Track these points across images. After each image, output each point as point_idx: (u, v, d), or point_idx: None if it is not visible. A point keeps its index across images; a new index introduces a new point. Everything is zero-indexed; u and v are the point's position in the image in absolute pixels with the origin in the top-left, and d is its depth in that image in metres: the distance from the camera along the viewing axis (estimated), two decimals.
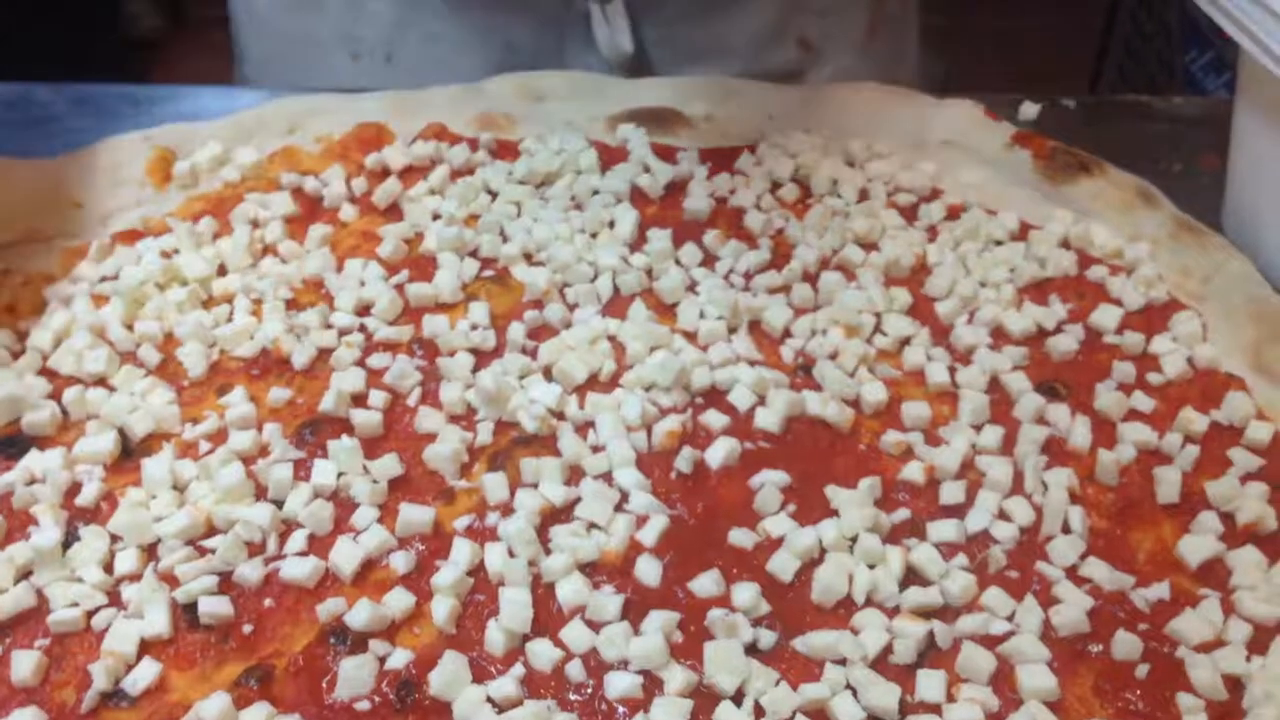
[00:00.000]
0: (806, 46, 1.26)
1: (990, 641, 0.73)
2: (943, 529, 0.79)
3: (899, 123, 1.13)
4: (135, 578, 0.75)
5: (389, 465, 0.81)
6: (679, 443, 0.83)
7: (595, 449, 0.83)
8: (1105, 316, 0.95)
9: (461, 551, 0.76)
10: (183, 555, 0.76)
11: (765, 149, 1.09)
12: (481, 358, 0.90)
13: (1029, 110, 1.17)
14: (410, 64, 1.20)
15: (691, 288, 0.96)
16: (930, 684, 0.71)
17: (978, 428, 0.86)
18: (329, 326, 0.92)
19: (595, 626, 0.73)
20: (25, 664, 0.71)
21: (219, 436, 0.84)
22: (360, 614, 0.72)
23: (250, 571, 0.75)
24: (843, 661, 0.72)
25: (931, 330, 0.94)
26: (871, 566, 0.77)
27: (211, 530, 0.78)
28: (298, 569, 0.75)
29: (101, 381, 0.87)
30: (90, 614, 0.74)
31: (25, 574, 0.75)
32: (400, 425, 0.86)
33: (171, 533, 0.77)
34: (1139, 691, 0.72)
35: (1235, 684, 0.72)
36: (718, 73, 1.17)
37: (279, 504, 0.80)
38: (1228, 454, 0.85)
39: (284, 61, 1.11)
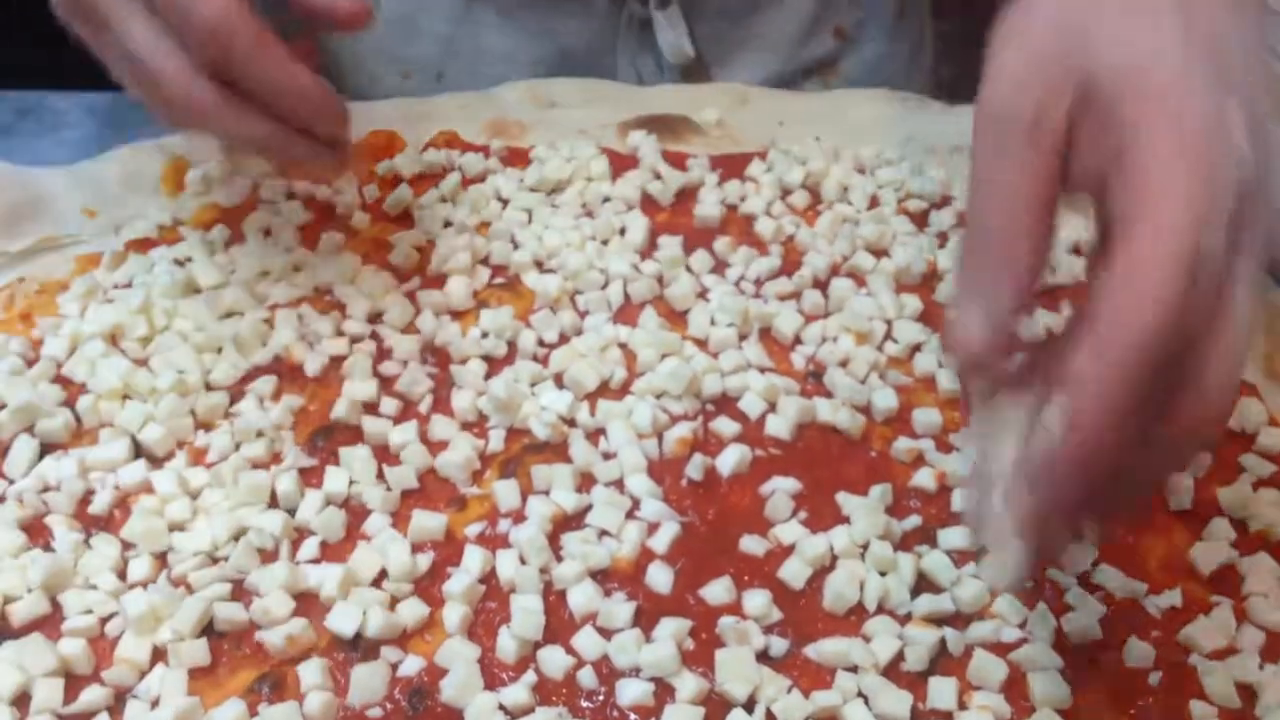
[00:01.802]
0: (841, 35, 1.27)
1: (1002, 649, 0.73)
2: (954, 536, 0.79)
3: (909, 129, 1.13)
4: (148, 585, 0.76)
5: (403, 473, 0.82)
6: (690, 450, 0.84)
7: (606, 456, 0.83)
8: None
9: (473, 559, 0.76)
10: (196, 562, 0.76)
11: (776, 156, 1.09)
12: (493, 365, 0.90)
13: None
14: (461, 81, 1.20)
15: (702, 295, 0.96)
16: (942, 691, 0.71)
17: None
18: (341, 334, 0.92)
19: (607, 634, 0.73)
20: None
21: (231, 444, 0.84)
22: (372, 621, 0.73)
23: (262, 578, 0.75)
24: (854, 669, 0.72)
25: (942, 337, 0.93)
26: (883, 573, 0.77)
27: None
28: (311, 576, 0.76)
29: (114, 390, 0.87)
30: (104, 621, 0.74)
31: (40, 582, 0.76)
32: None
33: (192, 548, 0.77)
34: (1151, 699, 0.72)
35: (1248, 691, 0.72)
36: (759, 67, 1.18)
37: (291, 511, 0.80)
38: (1240, 460, 0.85)
39: (334, 83, 1.12)
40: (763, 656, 0.72)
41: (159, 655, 0.72)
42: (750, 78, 1.22)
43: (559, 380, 0.89)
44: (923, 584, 0.77)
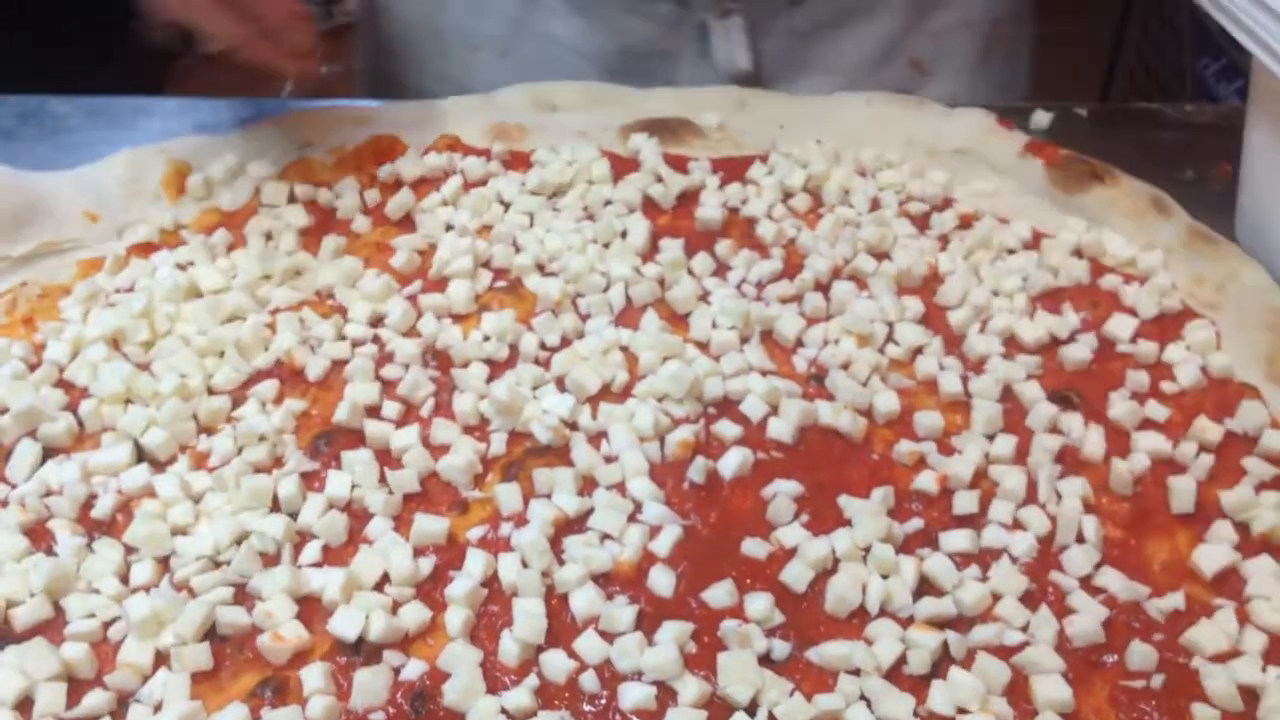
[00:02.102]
0: (918, 67, 1.26)
1: (1005, 652, 0.73)
2: (956, 539, 0.79)
3: (910, 132, 1.13)
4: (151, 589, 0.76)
5: (405, 477, 0.82)
6: (692, 453, 0.84)
7: (608, 459, 0.83)
8: (1118, 325, 0.94)
9: (475, 562, 0.76)
10: (198, 566, 0.76)
11: (777, 159, 1.09)
12: (495, 368, 0.90)
13: (1041, 119, 1.17)
14: (525, 62, 1.20)
15: (704, 297, 0.96)
16: (944, 695, 0.71)
17: (991, 437, 0.86)
18: (343, 338, 0.92)
19: (609, 637, 0.73)
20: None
21: (233, 448, 0.84)
22: (375, 625, 0.73)
23: (265, 582, 0.75)
24: (856, 672, 0.72)
25: (944, 339, 0.93)
26: (885, 576, 0.77)
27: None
28: (314, 580, 0.76)
29: (117, 394, 0.87)
30: (107, 625, 0.74)
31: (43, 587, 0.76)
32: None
33: (194, 553, 0.77)
34: (1154, 702, 0.72)
35: (1251, 694, 0.72)
36: (828, 89, 1.18)
37: (293, 515, 0.80)
38: (1242, 463, 0.85)
39: (405, 53, 1.13)
40: (765, 660, 0.72)
41: (161, 659, 0.73)
42: (820, 91, 1.20)
43: (560, 383, 0.89)
44: (925, 587, 0.77)
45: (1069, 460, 0.85)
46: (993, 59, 1.30)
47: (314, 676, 0.71)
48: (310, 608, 0.75)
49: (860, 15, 1.23)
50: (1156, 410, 0.88)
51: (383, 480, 0.82)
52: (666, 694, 0.71)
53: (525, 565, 0.76)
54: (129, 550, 0.78)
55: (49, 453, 0.84)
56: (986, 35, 1.29)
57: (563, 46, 1.23)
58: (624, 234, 1.01)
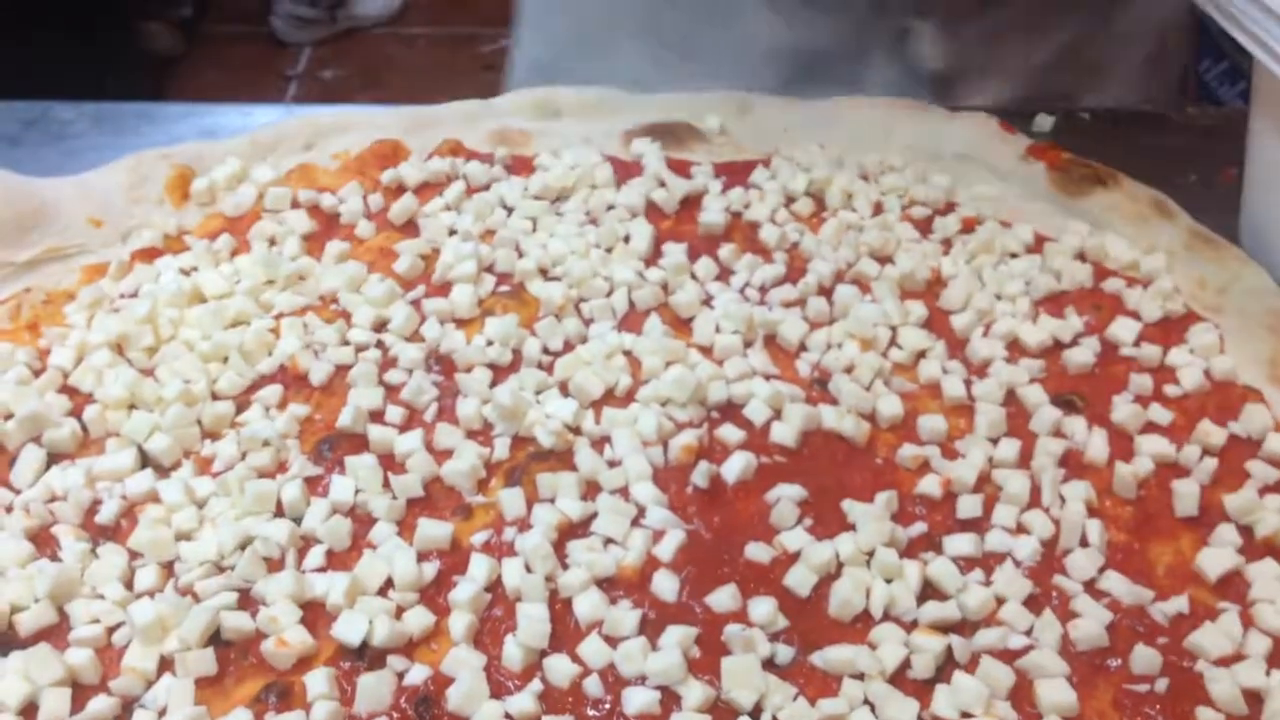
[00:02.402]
0: (1093, 71, 1.27)
1: (1008, 656, 0.73)
2: (960, 543, 0.79)
3: (913, 136, 1.13)
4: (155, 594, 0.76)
5: (409, 482, 0.82)
6: (695, 457, 0.84)
7: (612, 464, 0.83)
8: (1122, 329, 0.94)
9: (479, 567, 0.76)
10: (202, 571, 0.77)
11: (779, 163, 1.09)
12: (498, 373, 0.90)
13: (1043, 122, 1.17)
14: (707, 59, 1.20)
15: (707, 302, 0.96)
16: (948, 699, 0.71)
17: (994, 441, 0.86)
18: (346, 343, 0.93)
19: (613, 642, 0.73)
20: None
21: (237, 453, 0.84)
22: (379, 630, 0.73)
23: (269, 587, 0.76)
24: (860, 676, 0.72)
25: (947, 343, 0.93)
26: (889, 581, 0.77)
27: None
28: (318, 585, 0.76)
29: (121, 399, 0.87)
30: (111, 630, 0.74)
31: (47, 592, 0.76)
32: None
33: (198, 558, 0.77)
34: (1158, 706, 0.72)
35: (1255, 698, 0.72)
36: (1007, 93, 1.18)
37: (297, 520, 0.80)
38: (1246, 466, 0.85)
39: (573, 47, 1.12)
40: (769, 664, 0.72)
41: (166, 665, 0.73)
42: (998, 98, 1.21)
43: (564, 388, 0.89)
44: (928, 591, 0.77)
45: (1072, 464, 0.85)
46: (1158, 67, 1.31)
47: (318, 681, 0.71)
48: (314, 613, 0.75)
49: (1046, 20, 1.23)
50: (1160, 414, 0.88)
51: (386, 485, 0.82)
52: (670, 699, 0.71)
53: (529, 570, 0.76)
54: (133, 555, 0.78)
55: (53, 458, 0.85)
56: (1155, 41, 1.30)
57: (750, 46, 1.22)
58: (627, 238, 1.02)
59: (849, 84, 1.18)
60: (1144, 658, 0.73)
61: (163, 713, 0.70)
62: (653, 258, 1.00)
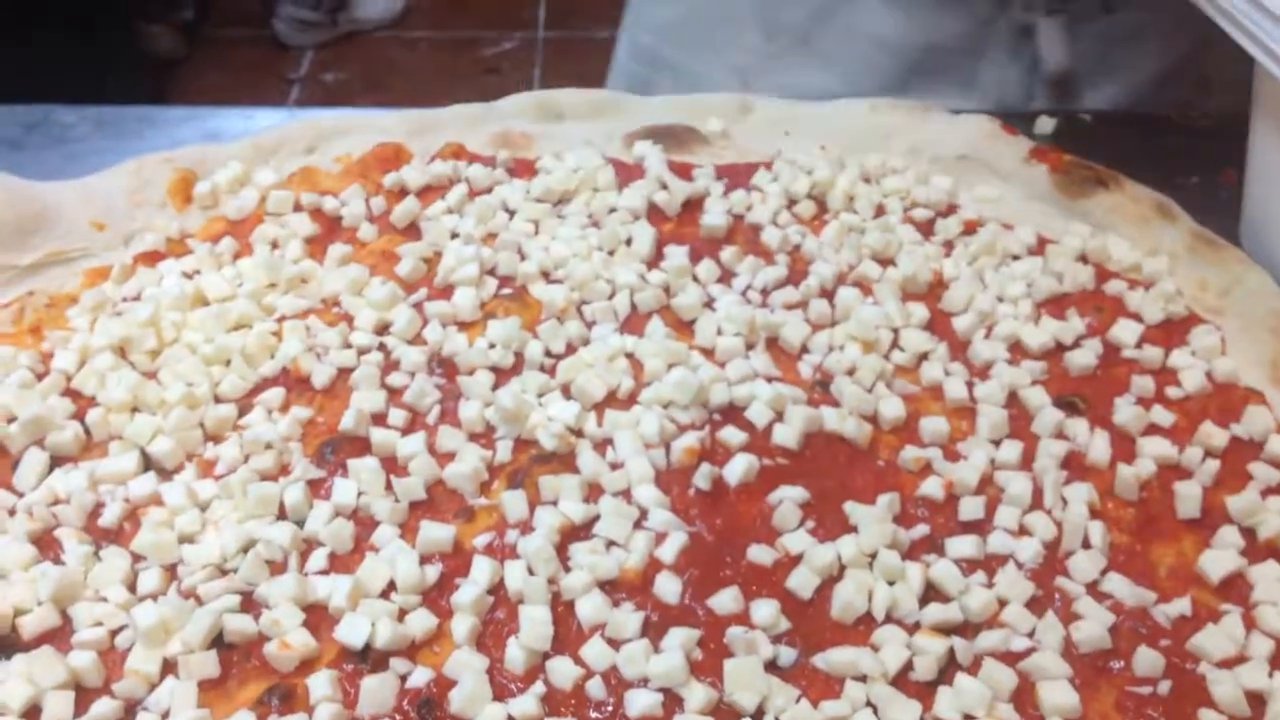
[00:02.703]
0: (1204, 87, 1.26)
1: (1011, 658, 0.73)
2: (962, 545, 0.79)
3: (914, 138, 1.13)
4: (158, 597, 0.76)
5: (411, 484, 0.82)
6: (697, 459, 0.84)
7: (614, 466, 0.83)
8: (1124, 331, 0.94)
9: (481, 570, 0.77)
10: (205, 574, 0.77)
11: (781, 165, 1.10)
12: (500, 375, 0.90)
13: (1045, 124, 1.17)
14: (825, 51, 1.20)
15: (709, 304, 0.96)
16: (950, 701, 0.71)
17: (996, 443, 0.86)
18: (349, 346, 0.93)
19: (615, 644, 0.73)
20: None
21: (240, 456, 0.84)
22: (381, 633, 0.73)
23: (272, 590, 0.76)
24: (863, 678, 0.72)
25: (949, 345, 0.94)
26: (891, 583, 0.77)
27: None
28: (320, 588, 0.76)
29: (124, 402, 0.87)
30: (114, 633, 0.74)
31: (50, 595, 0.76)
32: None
33: (201, 561, 0.77)
34: (1161, 708, 0.72)
35: (1258, 699, 0.72)
36: (1126, 98, 1.17)
37: (300, 523, 0.80)
38: (1248, 468, 0.85)
39: (680, 36, 1.10)
40: (771, 666, 0.72)
41: (169, 668, 0.73)
42: (1117, 99, 1.21)
43: (566, 391, 0.89)
44: (931, 593, 0.77)
45: (1075, 466, 0.85)
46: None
47: (321, 684, 0.71)
48: (317, 615, 0.75)
49: (1167, 26, 1.22)
50: (1162, 415, 0.88)
51: (389, 488, 0.82)
52: (673, 701, 0.71)
53: (531, 572, 0.76)
54: (136, 558, 0.78)
55: (56, 461, 0.85)
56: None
57: (867, 39, 1.22)
58: (629, 241, 1.02)
59: (964, 81, 1.18)
60: (1146, 660, 0.73)
61: (166, 715, 0.70)
62: (655, 260, 1.00)
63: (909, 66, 1.17)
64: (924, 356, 0.93)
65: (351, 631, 0.73)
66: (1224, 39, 1.22)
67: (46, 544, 0.79)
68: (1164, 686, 0.72)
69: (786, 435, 0.85)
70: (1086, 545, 0.80)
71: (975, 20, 1.20)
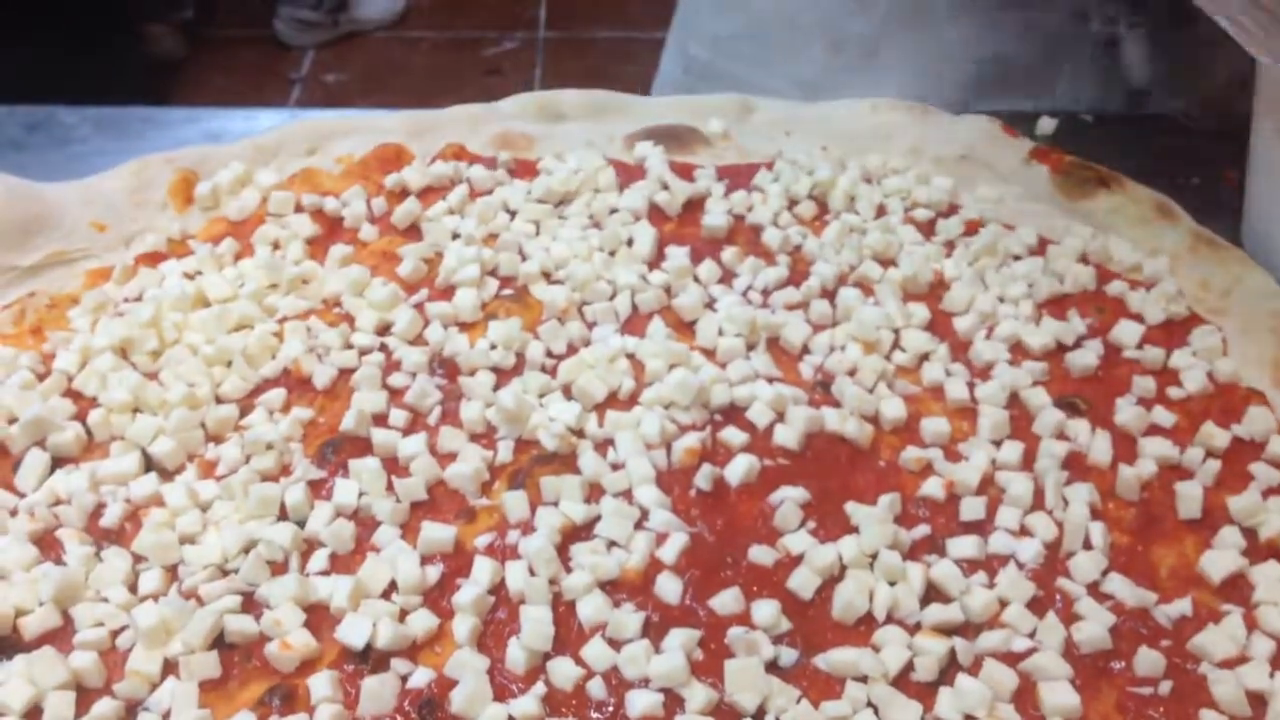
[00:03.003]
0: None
1: (1012, 658, 0.73)
2: (963, 545, 0.79)
3: (915, 138, 1.13)
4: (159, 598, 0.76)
5: (412, 485, 0.82)
6: (698, 460, 0.84)
7: (615, 467, 0.83)
8: (1125, 331, 0.94)
9: (482, 570, 0.77)
10: (206, 575, 0.77)
11: (782, 166, 1.10)
12: (501, 376, 0.90)
13: (1046, 125, 1.17)
14: (892, 64, 1.18)
15: (710, 305, 0.97)
16: (951, 701, 0.71)
17: (997, 443, 0.86)
18: (350, 346, 0.93)
19: (616, 644, 0.73)
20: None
21: (241, 457, 0.84)
22: (382, 633, 0.73)
23: (273, 590, 0.76)
24: (864, 679, 0.72)
25: (950, 346, 0.94)
26: (892, 583, 0.77)
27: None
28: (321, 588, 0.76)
29: (125, 403, 0.87)
30: (115, 634, 0.74)
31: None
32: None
33: (202, 561, 0.77)
34: (1162, 708, 0.72)
35: (1259, 700, 0.72)
36: (1198, 108, 1.16)
37: (301, 523, 0.80)
38: (1249, 469, 0.85)
39: (737, 48, 1.09)
40: (772, 667, 0.72)
41: (170, 668, 0.73)
42: (1189, 112, 1.19)
43: (567, 391, 0.89)
44: (932, 593, 0.77)
45: (1076, 466, 0.85)
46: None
47: (322, 684, 0.71)
48: (318, 616, 0.75)
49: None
50: (1163, 416, 0.88)
51: (390, 488, 0.82)
52: (674, 701, 0.71)
53: (532, 573, 0.76)
54: (137, 559, 0.78)
55: (57, 462, 0.85)
56: None
57: (934, 51, 1.20)
58: (630, 242, 1.02)
59: (1036, 93, 1.16)
60: (1147, 660, 0.73)
61: (167, 716, 0.70)
62: (655, 261, 1.00)
63: (971, 79, 1.16)
64: (925, 357, 0.93)
65: (352, 632, 0.73)
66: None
67: (48, 544, 0.79)
68: (1165, 687, 0.72)
69: (787, 436, 0.85)
70: (1087, 546, 0.80)
71: (1050, 32, 1.18)
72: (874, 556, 0.78)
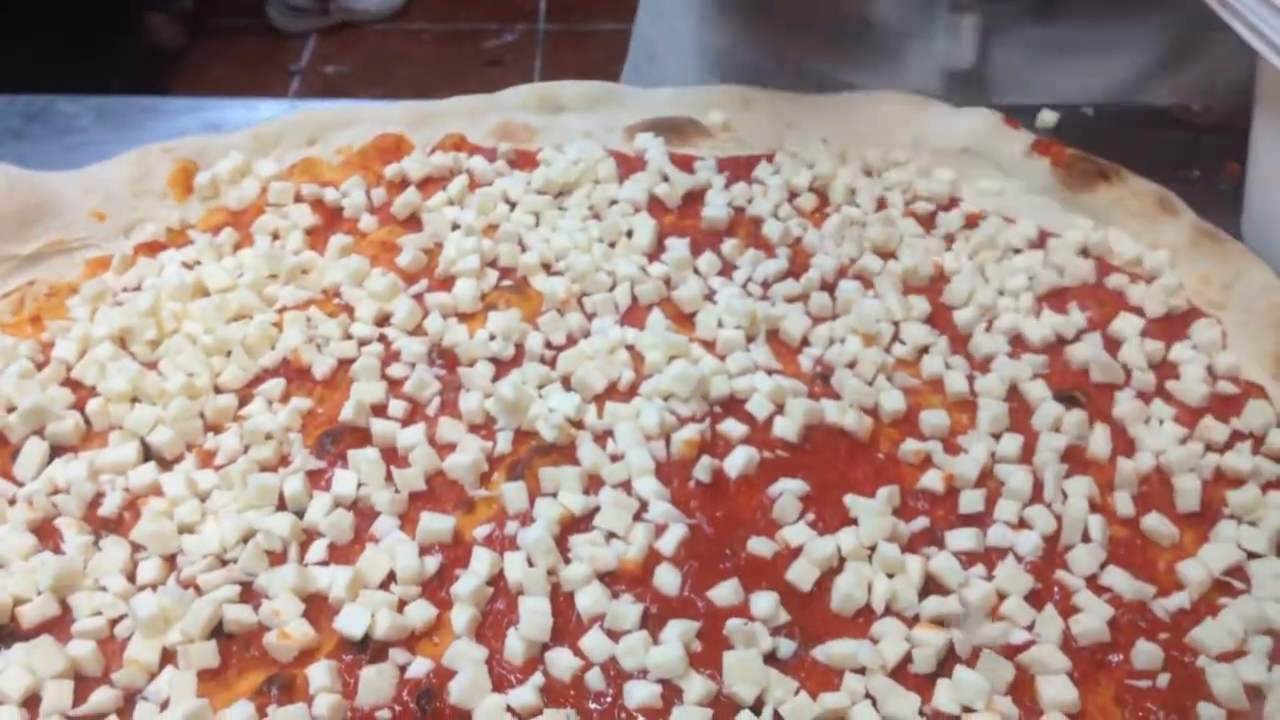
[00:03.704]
0: (1128, 88, 1.24)
1: (1010, 651, 0.73)
2: (962, 538, 0.79)
3: (916, 131, 1.13)
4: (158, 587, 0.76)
5: (411, 475, 0.82)
6: (697, 452, 0.84)
7: (614, 458, 0.83)
8: (1125, 325, 0.94)
9: (481, 561, 0.77)
10: (205, 564, 0.77)
11: (783, 158, 1.09)
12: (501, 367, 0.90)
13: (1048, 118, 1.17)
14: (714, 60, 1.21)
15: (710, 297, 0.96)
16: (949, 693, 0.71)
17: (997, 436, 0.86)
18: (349, 337, 0.93)
19: (614, 635, 0.73)
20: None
21: (240, 446, 0.84)
22: (381, 623, 0.73)
23: (271, 580, 0.76)
24: (862, 671, 0.72)
25: (950, 339, 0.93)
26: (890, 575, 0.77)
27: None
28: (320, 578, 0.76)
29: (124, 392, 0.87)
30: (114, 622, 0.74)
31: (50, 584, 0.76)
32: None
33: (201, 551, 0.78)
34: (1159, 701, 0.72)
35: (1256, 693, 0.72)
36: (1041, 99, 1.16)
37: (300, 513, 0.80)
38: (1249, 463, 0.85)
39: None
40: (770, 658, 0.73)
41: (168, 657, 0.73)
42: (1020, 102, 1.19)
43: (566, 382, 0.89)
44: (930, 586, 0.77)
45: (1075, 459, 0.85)
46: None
47: (320, 674, 0.71)
48: (316, 606, 0.75)
49: (1106, 49, 1.20)
50: (1162, 409, 0.88)
51: (389, 479, 0.82)
52: (672, 692, 0.71)
53: (531, 564, 0.76)
54: (136, 548, 0.78)
55: (56, 451, 0.85)
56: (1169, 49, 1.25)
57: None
58: (630, 233, 1.02)
59: (894, 63, 1.18)
60: (1145, 653, 0.73)
61: (165, 705, 0.70)
62: (655, 252, 1.00)
63: (834, 37, 1.18)
64: (925, 350, 0.93)
65: (351, 622, 0.73)
66: (1184, 73, 1.20)
67: (46, 533, 0.80)
68: (1163, 679, 0.72)
69: (787, 428, 0.85)
70: (1086, 539, 0.80)
71: (904, 4, 1.20)
72: (873, 549, 0.78)
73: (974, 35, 1.20)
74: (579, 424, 0.86)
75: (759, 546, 0.78)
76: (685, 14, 1.30)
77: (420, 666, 0.72)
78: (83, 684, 0.72)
